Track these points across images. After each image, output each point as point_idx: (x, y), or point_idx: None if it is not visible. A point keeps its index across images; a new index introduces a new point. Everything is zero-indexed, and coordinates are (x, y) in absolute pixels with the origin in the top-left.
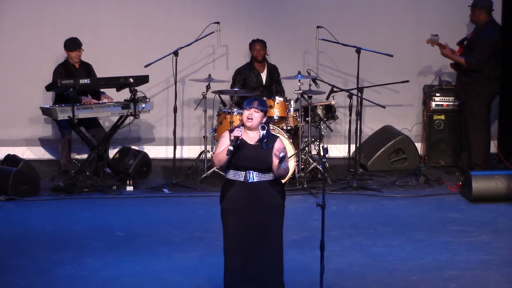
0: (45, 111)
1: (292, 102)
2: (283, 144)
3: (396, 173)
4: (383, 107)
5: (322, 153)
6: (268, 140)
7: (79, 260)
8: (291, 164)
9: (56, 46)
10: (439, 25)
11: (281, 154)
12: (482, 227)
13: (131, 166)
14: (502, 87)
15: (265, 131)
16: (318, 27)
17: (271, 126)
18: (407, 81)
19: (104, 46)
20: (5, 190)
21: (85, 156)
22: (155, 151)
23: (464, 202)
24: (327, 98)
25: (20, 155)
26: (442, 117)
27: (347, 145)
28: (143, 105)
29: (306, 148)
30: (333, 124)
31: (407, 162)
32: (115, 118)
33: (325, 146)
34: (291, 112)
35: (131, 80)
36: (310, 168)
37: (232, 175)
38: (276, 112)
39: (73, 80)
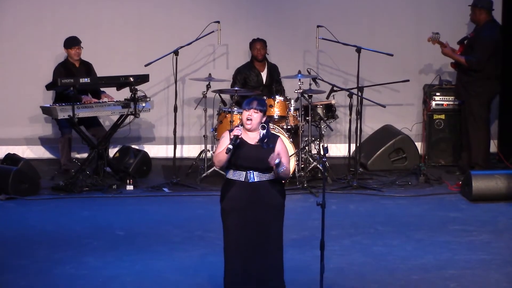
0: (45, 110)
1: (292, 101)
2: (280, 146)
3: (396, 173)
4: (383, 106)
5: (322, 153)
6: (269, 139)
7: (79, 259)
8: (292, 163)
9: (56, 45)
10: (439, 24)
11: (276, 161)
12: (482, 227)
13: (131, 165)
14: (502, 87)
15: (265, 131)
16: (318, 26)
17: (271, 126)
18: (407, 81)
19: (104, 45)
20: (5, 189)
21: (85, 155)
22: (155, 150)
23: (464, 202)
24: (327, 97)
25: (20, 154)
26: (442, 116)
27: (347, 145)
28: (143, 104)
29: (306, 148)
30: (333, 124)
31: (407, 161)
32: (115, 117)
33: (325, 145)
34: (291, 112)
35: (131, 79)
36: (310, 167)
37: (232, 175)
38: (276, 111)
39: (73, 79)
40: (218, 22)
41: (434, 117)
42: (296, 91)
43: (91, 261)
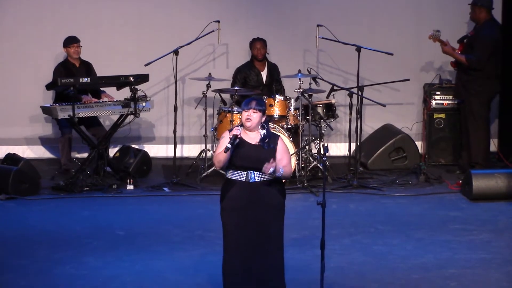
0: (45, 110)
1: (292, 100)
2: (281, 146)
3: (396, 172)
4: (384, 105)
5: (322, 152)
6: (269, 140)
7: (80, 259)
8: (292, 163)
9: (56, 45)
10: (439, 23)
11: (271, 170)
12: (482, 226)
13: (131, 165)
14: (502, 86)
15: (265, 130)
16: (318, 25)
17: (271, 125)
18: (408, 80)
19: (104, 45)
20: (5, 189)
21: (85, 155)
22: (155, 150)
23: (464, 201)
24: (328, 96)
25: (21, 154)
26: (443, 115)
27: (347, 144)
28: (144, 104)
29: (307, 147)
30: (333, 123)
31: (408, 160)
32: (115, 117)
33: (326, 144)
34: (292, 111)
35: (132, 79)
36: (310, 166)
37: (233, 174)
38: (276, 111)
39: (73, 79)
40: (218, 21)
41: (434, 116)
42: (296, 91)
43: (91, 261)
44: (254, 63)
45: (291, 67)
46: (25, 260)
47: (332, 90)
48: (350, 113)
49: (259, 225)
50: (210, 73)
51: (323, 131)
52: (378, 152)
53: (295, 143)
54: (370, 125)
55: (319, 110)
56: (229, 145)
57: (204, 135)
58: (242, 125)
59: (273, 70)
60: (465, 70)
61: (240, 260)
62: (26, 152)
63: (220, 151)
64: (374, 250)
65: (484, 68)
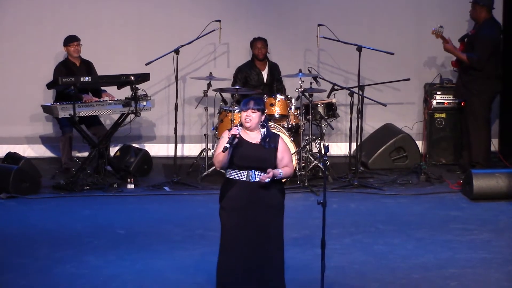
0: (46, 109)
1: (293, 100)
2: (282, 146)
3: (397, 171)
4: (384, 105)
5: (323, 151)
6: (270, 139)
7: (80, 258)
8: (293, 162)
9: (56, 44)
10: (439, 23)
11: (267, 180)
12: (483, 225)
13: (132, 164)
14: (503, 87)
15: (265, 129)
16: (319, 25)
17: (271, 124)
18: (408, 79)
19: (105, 44)
20: (6, 188)
21: (86, 154)
22: (156, 149)
23: (465, 200)
24: (328, 96)
25: (21, 153)
26: (443, 115)
27: (348, 143)
28: (144, 103)
29: (307, 146)
30: (334, 122)
31: (408, 160)
32: (116, 116)
33: (326, 144)
34: (292, 110)
35: (132, 78)
36: (311, 166)
37: (233, 174)
38: (277, 110)
39: (74, 78)
40: (219, 21)
41: (435, 116)
42: (297, 90)
43: (92, 260)
44: (255, 63)
45: (292, 67)
46: (25, 259)
47: (332, 89)
48: (351, 113)
49: (259, 225)
50: (211, 72)
51: (323, 131)
52: (379, 151)
53: (296, 142)
54: (371, 125)
55: (320, 109)
56: (228, 145)
57: (204, 135)
58: (241, 124)
59: (274, 70)
60: (466, 70)
61: (240, 260)
62: (27, 151)
63: (220, 152)
64: (374, 249)
65: (484, 68)
